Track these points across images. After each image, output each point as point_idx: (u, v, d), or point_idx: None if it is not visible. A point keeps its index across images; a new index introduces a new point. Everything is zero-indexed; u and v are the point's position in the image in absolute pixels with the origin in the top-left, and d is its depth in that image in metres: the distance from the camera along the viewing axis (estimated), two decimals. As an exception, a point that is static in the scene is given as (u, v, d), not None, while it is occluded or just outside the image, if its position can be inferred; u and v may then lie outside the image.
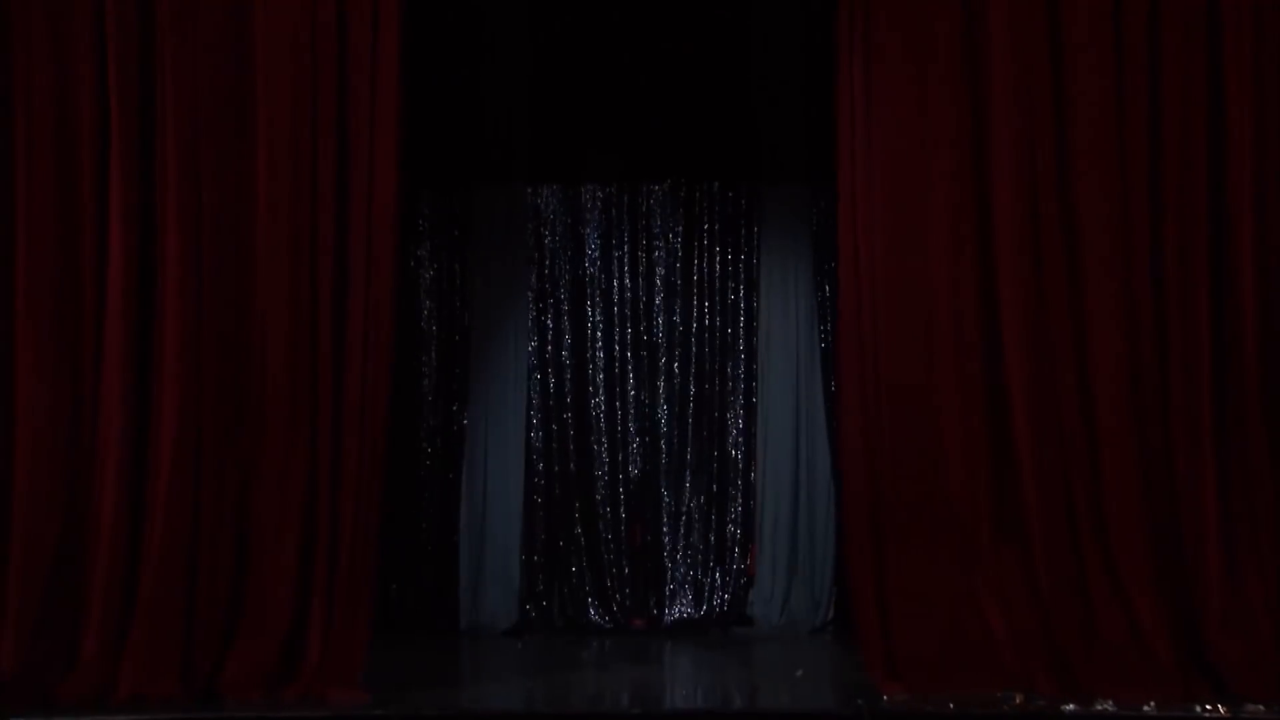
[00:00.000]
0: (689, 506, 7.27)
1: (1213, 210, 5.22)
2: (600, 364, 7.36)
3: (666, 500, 7.29)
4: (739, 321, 7.33)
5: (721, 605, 7.18)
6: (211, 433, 5.07)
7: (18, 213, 5.11)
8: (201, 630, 4.99)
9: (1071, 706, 4.86)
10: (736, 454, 7.28)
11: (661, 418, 7.32)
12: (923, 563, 5.15)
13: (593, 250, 7.38)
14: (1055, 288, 5.18)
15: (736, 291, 7.35)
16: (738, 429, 7.30)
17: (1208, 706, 4.81)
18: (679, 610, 7.19)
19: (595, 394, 7.34)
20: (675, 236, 7.38)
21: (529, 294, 7.34)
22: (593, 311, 7.37)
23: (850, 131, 5.31)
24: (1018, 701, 4.87)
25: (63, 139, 5.13)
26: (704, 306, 7.35)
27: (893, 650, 5.13)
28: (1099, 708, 4.84)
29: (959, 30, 5.23)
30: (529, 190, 7.35)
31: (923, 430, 5.18)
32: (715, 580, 7.22)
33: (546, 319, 7.34)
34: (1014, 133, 5.19)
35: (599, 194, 7.41)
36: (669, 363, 7.36)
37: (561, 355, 7.35)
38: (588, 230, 7.42)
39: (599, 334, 7.35)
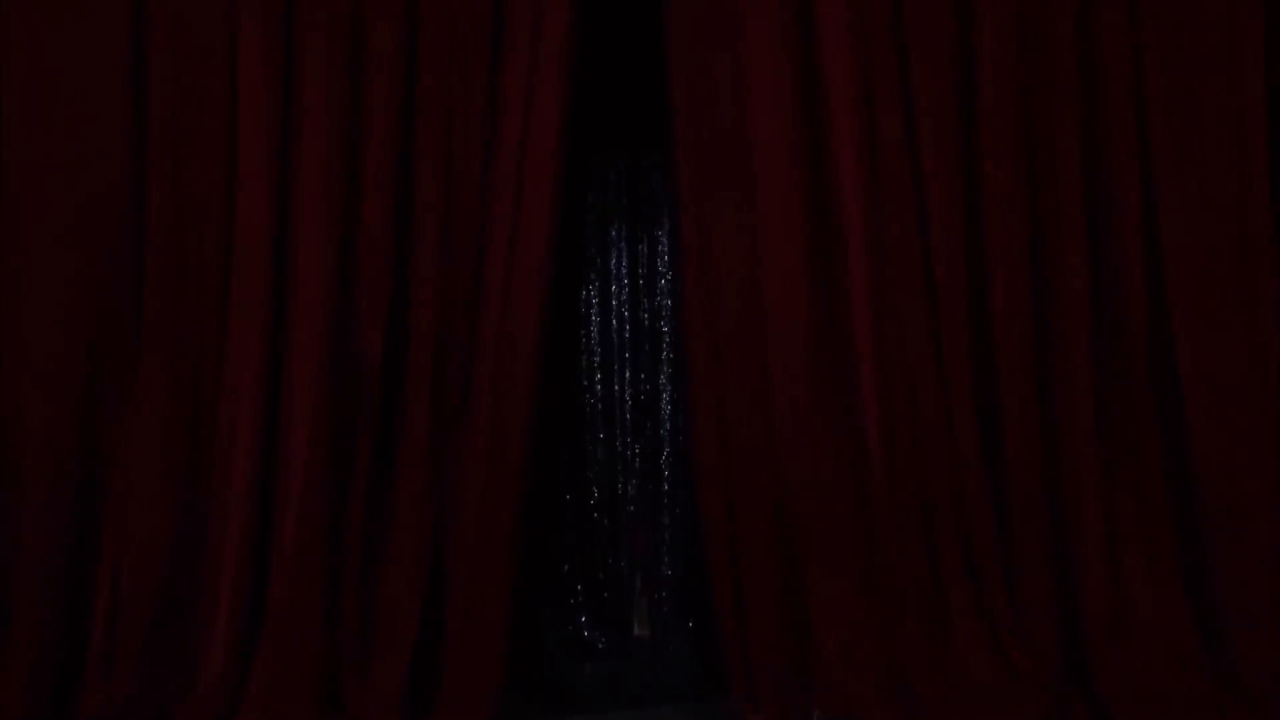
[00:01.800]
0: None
1: (1089, 181, 4.87)
2: (595, 350, 6.64)
3: (669, 502, 6.44)
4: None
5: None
6: (347, 433, 4.79)
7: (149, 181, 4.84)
8: (340, 647, 4.68)
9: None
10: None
11: (664, 410, 6.50)
12: (769, 574, 4.77)
13: (587, 226, 6.67)
14: (904, 261, 4.80)
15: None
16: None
17: None
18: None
19: (590, 384, 6.59)
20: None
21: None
22: (587, 292, 6.67)
23: (685, 96, 4.97)
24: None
25: (194, 89, 4.89)
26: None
27: (751, 674, 4.72)
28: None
29: None
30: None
31: (763, 422, 4.84)
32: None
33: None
34: (853, 94, 4.88)
35: (593, 166, 6.65)
36: (672, 348, 6.54)
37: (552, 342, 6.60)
38: (581, 205, 6.70)
39: (593, 316, 6.67)
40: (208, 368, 4.79)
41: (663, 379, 6.61)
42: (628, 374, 6.74)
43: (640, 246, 6.77)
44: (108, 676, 4.59)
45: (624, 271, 6.77)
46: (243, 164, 4.84)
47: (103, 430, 4.76)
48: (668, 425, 6.48)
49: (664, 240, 6.67)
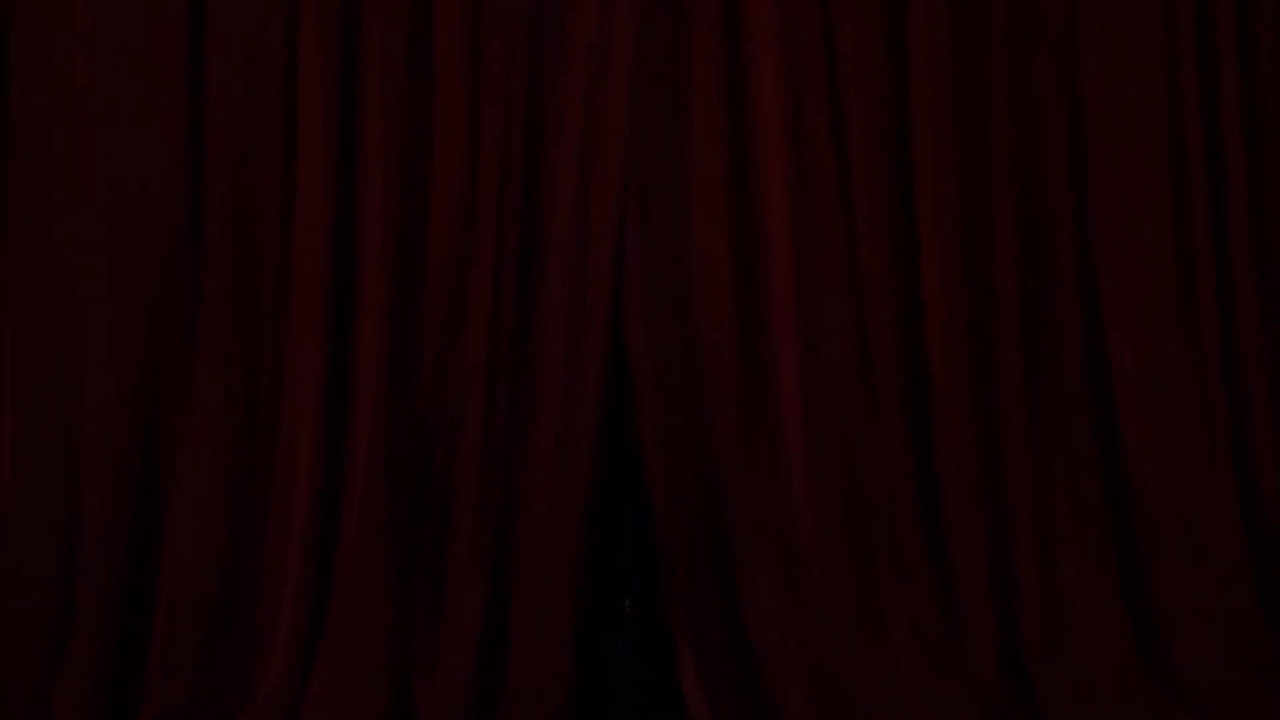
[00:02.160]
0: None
1: (1021, 177, 4.78)
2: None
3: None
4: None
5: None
6: (408, 435, 4.68)
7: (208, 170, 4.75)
8: (408, 651, 4.57)
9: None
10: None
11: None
12: (708, 576, 4.65)
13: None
14: (830, 258, 4.71)
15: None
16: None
17: None
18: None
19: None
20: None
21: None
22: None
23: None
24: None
25: (253, 91, 4.76)
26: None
27: (707, 678, 4.60)
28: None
29: None
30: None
31: (695, 423, 4.69)
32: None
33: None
34: (781, 89, 4.75)
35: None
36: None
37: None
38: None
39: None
40: (266, 371, 4.74)
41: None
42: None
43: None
44: (169, 681, 4.57)
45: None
46: (302, 165, 4.77)
47: (161, 436, 4.73)
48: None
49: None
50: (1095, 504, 4.74)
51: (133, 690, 4.61)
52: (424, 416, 4.71)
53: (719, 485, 4.68)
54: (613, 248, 4.72)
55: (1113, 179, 4.90)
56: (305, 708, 4.50)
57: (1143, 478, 4.76)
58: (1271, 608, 4.73)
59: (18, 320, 4.77)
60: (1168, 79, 4.97)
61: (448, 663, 4.59)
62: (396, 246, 4.73)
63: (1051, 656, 4.54)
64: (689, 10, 4.81)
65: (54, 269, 4.79)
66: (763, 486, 4.65)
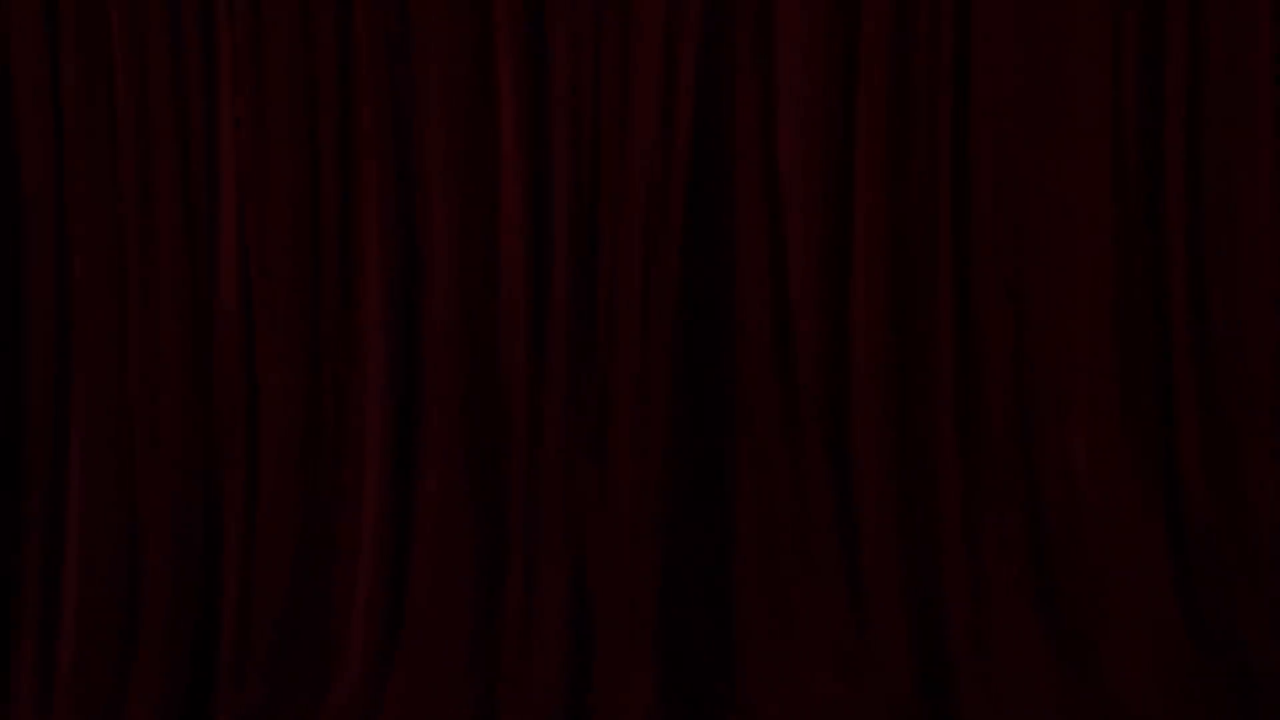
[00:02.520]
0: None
1: (957, 191, 4.53)
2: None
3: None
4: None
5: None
6: (481, 435, 4.57)
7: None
8: (490, 656, 4.49)
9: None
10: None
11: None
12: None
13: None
14: (752, 246, 4.51)
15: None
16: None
17: None
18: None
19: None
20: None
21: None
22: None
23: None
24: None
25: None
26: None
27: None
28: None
29: None
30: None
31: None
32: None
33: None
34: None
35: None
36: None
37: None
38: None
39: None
40: (330, 366, 4.63)
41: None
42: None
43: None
44: (240, 688, 4.44)
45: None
46: (363, 169, 4.61)
47: (224, 436, 4.62)
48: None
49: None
50: (1020, 513, 4.73)
51: (203, 702, 4.53)
52: (499, 417, 4.65)
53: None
54: (679, 249, 4.65)
55: (1049, 194, 4.89)
56: (382, 713, 4.43)
57: (1069, 483, 4.75)
58: (1193, 617, 4.72)
59: (83, 315, 4.58)
60: (1112, 90, 4.94)
61: (533, 664, 4.53)
62: (461, 243, 4.64)
63: (975, 668, 4.53)
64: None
65: (113, 271, 4.60)
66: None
